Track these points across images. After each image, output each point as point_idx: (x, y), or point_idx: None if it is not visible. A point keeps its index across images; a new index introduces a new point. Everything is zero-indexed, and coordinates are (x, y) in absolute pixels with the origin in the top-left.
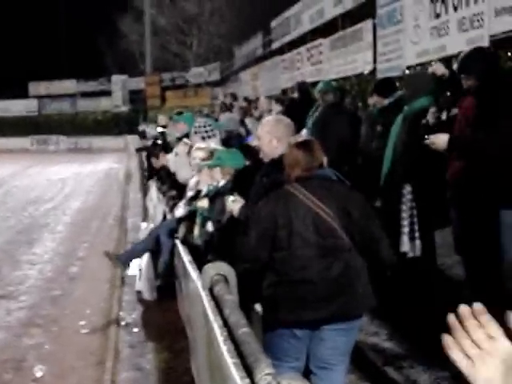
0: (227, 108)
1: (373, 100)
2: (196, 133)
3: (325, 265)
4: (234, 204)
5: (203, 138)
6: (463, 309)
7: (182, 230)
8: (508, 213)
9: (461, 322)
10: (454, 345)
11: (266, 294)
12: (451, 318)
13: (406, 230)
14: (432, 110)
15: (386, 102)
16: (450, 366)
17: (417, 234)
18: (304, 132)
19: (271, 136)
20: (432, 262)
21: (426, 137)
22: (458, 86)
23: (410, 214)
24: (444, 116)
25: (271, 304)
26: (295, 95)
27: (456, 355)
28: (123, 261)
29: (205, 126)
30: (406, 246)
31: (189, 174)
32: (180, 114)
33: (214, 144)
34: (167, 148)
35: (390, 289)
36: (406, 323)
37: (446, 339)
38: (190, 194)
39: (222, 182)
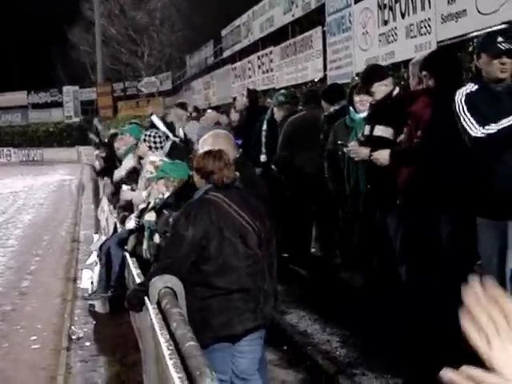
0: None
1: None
2: (145, 141)
3: (254, 275)
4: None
5: (150, 148)
6: (475, 284)
7: (131, 243)
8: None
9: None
10: (470, 320)
11: (195, 309)
12: (467, 292)
13: None
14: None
15: (332, 109)
16: (402, 373)
17: None
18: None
19: None
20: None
21: (370, 154)
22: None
23: None
24: (366, 131)
25: (202, 320)
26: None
27: (471, 331)
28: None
29: (155, 137)
30: None
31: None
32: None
33: (159, 155)
34: (114, 160)
35: (342, 297)
36: (358, 331)
37: (463, 312)
38: (141, 206)
39: (166, 194)
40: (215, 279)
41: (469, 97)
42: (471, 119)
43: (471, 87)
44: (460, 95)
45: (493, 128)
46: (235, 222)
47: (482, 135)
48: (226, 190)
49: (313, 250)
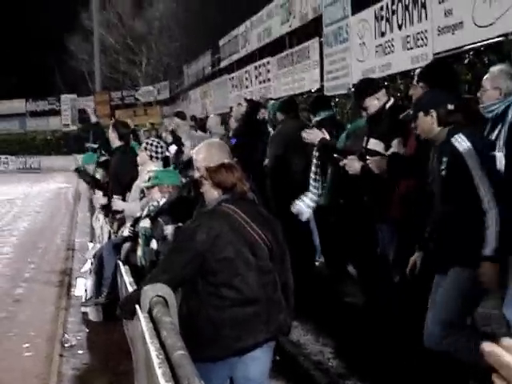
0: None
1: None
2: (146, 149)
3: (265, 286)
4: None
5: (151, 157)
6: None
7: (124, 250)
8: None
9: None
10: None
11: (205, 321)
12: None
13: None
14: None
15: (313, 120)
16: None
17: None
18: None
19: (209, 164)
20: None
21: (342, 158)
22: None
23: None
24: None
25: (213, 332)
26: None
27: None
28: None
29: (156, 146)
30: None
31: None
32: None
33: (155, 166)
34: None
35: (334, 308)
36: (350, 342)
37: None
38: (138, 215)
39: (162, 201)
40: (225, 290)
41: None
42: None
43: None
44: None
45: None
46: (246, 233)
47: None
48: (240, 202)
49: (317, 262)
